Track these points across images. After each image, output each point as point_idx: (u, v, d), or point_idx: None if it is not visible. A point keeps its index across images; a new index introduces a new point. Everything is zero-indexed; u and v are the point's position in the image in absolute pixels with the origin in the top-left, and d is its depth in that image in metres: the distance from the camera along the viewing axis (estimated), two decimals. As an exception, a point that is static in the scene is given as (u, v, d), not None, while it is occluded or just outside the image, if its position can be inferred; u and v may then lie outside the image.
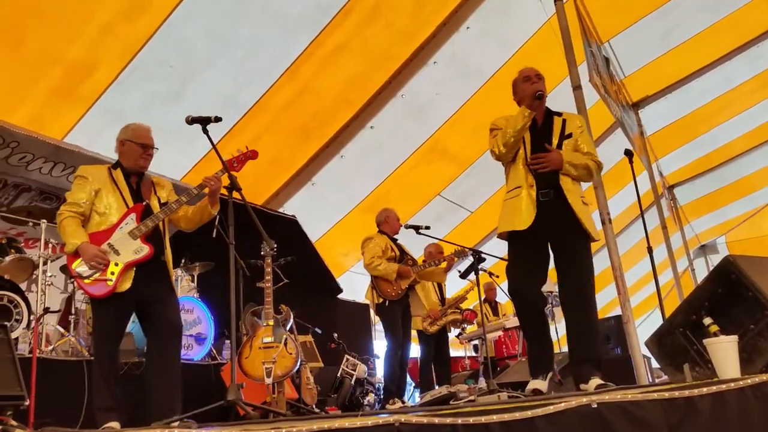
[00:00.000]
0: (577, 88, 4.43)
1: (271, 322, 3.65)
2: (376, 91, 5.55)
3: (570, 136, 3.26)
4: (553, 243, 3.15)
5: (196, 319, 4.22)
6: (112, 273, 2.84)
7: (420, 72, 5.55)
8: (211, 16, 4.18)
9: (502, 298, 7.24)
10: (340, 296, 7.31)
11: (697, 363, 1.68)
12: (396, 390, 4.58)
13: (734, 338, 1.56)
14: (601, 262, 9.87)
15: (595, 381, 2.77)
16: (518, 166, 3.16)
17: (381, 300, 4.65)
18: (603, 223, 4.13)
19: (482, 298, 4.75)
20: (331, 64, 4.98)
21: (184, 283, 4.60)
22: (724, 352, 1.54)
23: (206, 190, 3.08)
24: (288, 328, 3.81)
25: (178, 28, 4.08)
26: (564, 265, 3.14)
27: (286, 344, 3.60)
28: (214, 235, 4.49)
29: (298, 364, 3.66)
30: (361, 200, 6.64)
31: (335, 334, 6.40)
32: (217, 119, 2.88)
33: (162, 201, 3.09)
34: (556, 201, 3.10)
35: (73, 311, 3.99)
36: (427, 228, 4.56)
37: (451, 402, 3.48)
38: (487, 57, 5.78)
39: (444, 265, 4.85)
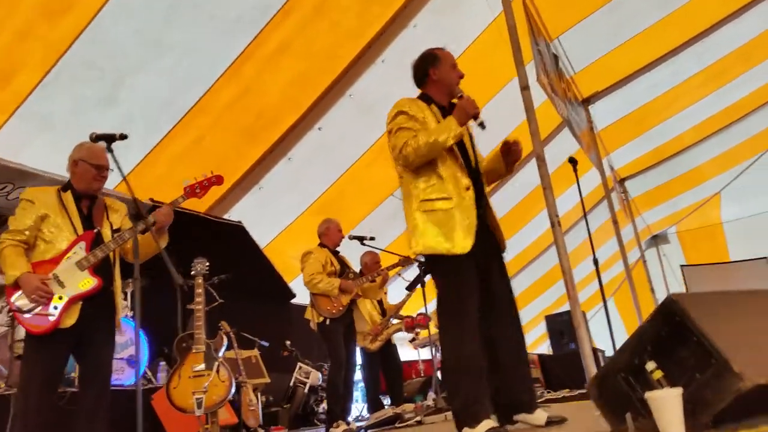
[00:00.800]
0: (525, 88, 4.34)
1: (203, 348, 3.45)
2: (323, 92, 5.39)
3: (474, 145, 2.90)
4: (482, 267, 2.67)
5: (128, 340, 3.98)
6: (55, 307, 2.63)
7: (368, 71, 5.41)
8: (141, 17, 3.95)
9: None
10: (293, 301, 7.14)
11: (640, 413, 1.57)
12: (341, 412, 4.35)
13: (678, 392, 1.45)
14: (549, 261, 9.97)
15: (542, 413, 2.58)
16: (446, 162, 2.64)
17: (321, 319, 4.41)
18: (552, 225, 4.08)
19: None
20: (275, 65, 4.80)
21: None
22: (667, 406, 1.42)
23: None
24: (223, 350, 3.61)
25: (105, 28, 3.83)
26: (495, 293, 2.70)
27: (218, 371, 3.39)
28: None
29: (232, 391, 3.46)
30: (312, 202, 6.48)
31: (288, 342, 6.24)
32: (122, 137, 2.67)
33: (114, 227, 2.88)
34: (488, 209, 2.75)
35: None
36: (372, 239, 4.40)
37: (396, 424, 3.37)
38: (435, 55, 5.66)
39: (379, 280, 4.67)
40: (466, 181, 2.64)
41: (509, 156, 2.88)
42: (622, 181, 10.56)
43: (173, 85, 4.45)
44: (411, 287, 4.88)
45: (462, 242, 2.54)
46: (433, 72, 2.83)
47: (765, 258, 12.14)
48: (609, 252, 11.60)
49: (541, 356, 8.55)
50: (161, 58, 4.25)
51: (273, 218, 6.38)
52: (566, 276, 4.12)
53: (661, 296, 11.98)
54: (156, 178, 5.04)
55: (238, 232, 5.98)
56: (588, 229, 5.10)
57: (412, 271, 5.84)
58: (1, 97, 3.87)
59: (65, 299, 2.63)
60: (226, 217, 5.89)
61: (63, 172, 4.40)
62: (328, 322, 4.37)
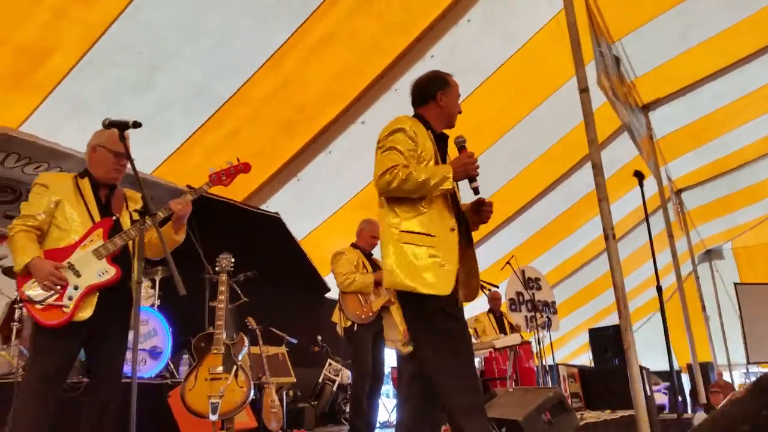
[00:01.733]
0: (584, 90, 4.04)
1: (222, 349, 3.29)
2: (368, 85, 5.17)
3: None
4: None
5: (151, 331, 3.88)
6: (70, 298, 2.45)
7: (416, 66, 5.16)
8: (180, 1, 3.81)
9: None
10: (328, 295, 7.00)
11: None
12: (364, 426, 4.07)
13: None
14: (593, 271, 9.56)
15: None
16: (430, 199, 2.40)
17: (348, 323, 4.15)
18: (606, 238, 3.80)
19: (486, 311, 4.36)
20: (318, 55, 4.61)
21: (142, 290, 4.24)
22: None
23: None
24: (243, 352, 3.43)
25: (143, 12, 3.71)
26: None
27: (236, 376, 3.23)
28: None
29: (250, 397, 3.28)
30: (352, 197, 6.30)
31: (319, 337, 6.10)
32: (136, 124, 2.48)
33: (134, 218, 2.70)
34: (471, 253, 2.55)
35: (16, 318, 3.64)
36: None
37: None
38: (490, 52, 5.39)
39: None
40: (451, 221, 2.42)
41: (479, 215, 2.64)
42: (678, 192, 10.09)
43: (212, 72, 4.31)
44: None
45: (443, 282, 2.33)
46: (441, 96, 2.59)
47: (826, 282, 11.45)
48: (659, 265, 11.12)
49: (581, 369, 8.23)
50: (200, 44, 4.11)
51: (311, 211, 6.23)
52: (618, 292, 3.84)
53: (713, 314, 11.48)
54: (193, 166, 4.95)
55: (275, 223, 5.85)
56: (652, 251, 4.78)
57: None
58: (37, 77, 3.80)
59: (81, 289, 2.46)
60: (263, 207, 5.77)
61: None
62: (355, 327, 4.13)
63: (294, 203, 5.86)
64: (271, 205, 5.74)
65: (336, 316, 4.31)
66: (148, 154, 4.64)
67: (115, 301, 2.58)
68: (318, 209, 6.25)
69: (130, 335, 2.66)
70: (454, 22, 5.11)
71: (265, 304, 5.26)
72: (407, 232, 2.39)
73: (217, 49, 4.22)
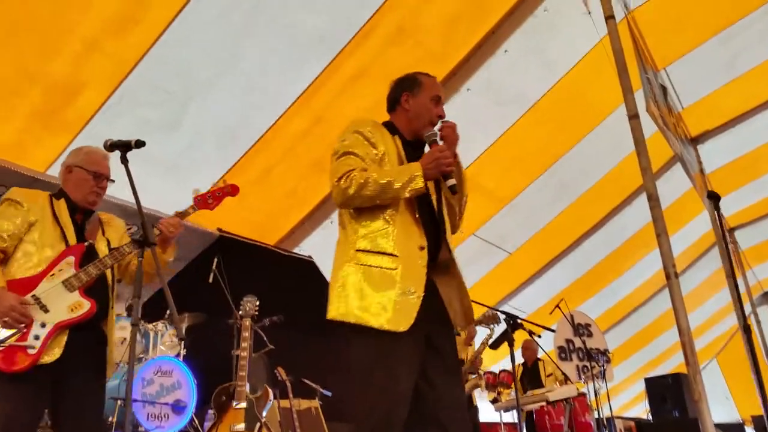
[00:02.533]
0: (633, 117, 3.78)
1: (245, 404, 2.98)
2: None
3: (440, 190, 2.27)
4: (428, 344, 2.04)
5: (175, 383, 3.61)
6: (36, 337, 2.13)
7: (452, 99, 4.97)
8: (211, 36, 3.71)
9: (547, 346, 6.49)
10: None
11: None
12: None
13: None
14: (649, 313, 9.01)
15: None
16: (394, 211, 2.04)
17: None
18: (668, 277, 3.45)
19: (518, 362, 4.01)
20: (350, 92, 4.45)
21: (166, 339, 4.00)
22: None
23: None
24: (268, 407, 3.13)
25: (172, 48, 3.61)
26: (436, 400, 2.01)
27: (260, 433, 2.91)
28: (210, 279, 3.98)
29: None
30: (388, 240, 6.05)
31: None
32: (139, 144, 2.23)
33: (112, 244, 2.43)
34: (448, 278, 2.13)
35: None
36: None
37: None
38: (528, 82, 5.18)
39: (464, 335, 4.04)
40: (420, 239, 2.04)
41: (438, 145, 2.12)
42: (731, 230, 9.56)
43: (242, 110, 4.18)
44: (495, 345, 4.21)
45: (397, 316, 1.91)
46: (406, 99, 2.24)
47: None
48: (715, 307, 10.51)
49: (638, 422, 7.65)
50: (230, 81, 3.99)
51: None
52: (684, 337, 3.43)
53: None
54: (224, 209, 4.76)
55: (308, 267, 5.63)
56: (735, 282, 4.39)
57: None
58: (67, 116, 3.70)
59: (49, 326, 2.14)
60: (296, 251, 5.55)
61: (125, 196, 4.22)
62: None
63: (328, 246, 5.62)
64: (304, 248, 5.52)
65: None
66: (177, 199, 4.48)
67: (89, 341, 2.26)
68: (353, 252, 6.02)
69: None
70: (491, 53, 4.94)
71: (298, 352, 4.97)
72: (364, 251, 2.00)
73: (248, 86, 4.10)
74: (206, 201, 2.63)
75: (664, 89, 5.84)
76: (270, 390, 3.15)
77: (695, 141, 7.19)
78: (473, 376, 4.83)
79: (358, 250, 2.01)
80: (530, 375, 6.30)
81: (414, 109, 2.22)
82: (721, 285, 9.27)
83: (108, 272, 2.40)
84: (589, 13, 4.45)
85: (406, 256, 2.00)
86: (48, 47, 3.40)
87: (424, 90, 2.24)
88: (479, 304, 4.36)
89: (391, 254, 1.99)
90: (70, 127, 3.76)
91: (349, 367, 1.98)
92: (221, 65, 3.93)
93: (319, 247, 5.57)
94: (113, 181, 2.49)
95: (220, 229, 4.69)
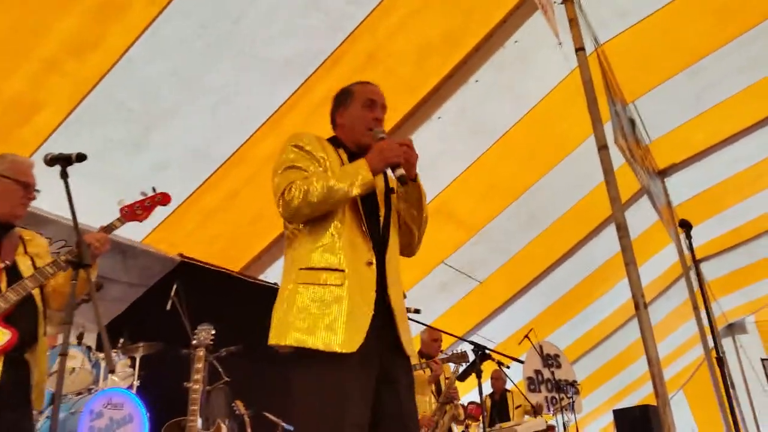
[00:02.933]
0: (603, 147, 3.79)
1: (196, 443, 2.82)
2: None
3: (393, 191, 2.15)
4: (381, 370, 1.90)
5: (126, 416, 3.40)
6: None
7: (423, 127, 4.95)
8: (178, 55, 3.62)
9: (516, 377, 6.42)
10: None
11: None
12: None
13: None
14: (616, 345, 9.01)
15: None
16: (339, 223, 1.94)
17: None
18: (637, 308, 3.43)
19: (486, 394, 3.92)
20: (321, 115, 4.37)
21: (118, 369, 3.80)
22: None
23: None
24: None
25: (137, 67, 3.51)
26: (392, 411, 1.90)
27: (215, 473, 2.75)
28: (168, 307, 3.82)
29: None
30: (357, 266, 5.94)
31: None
32: (80, 158, 2.12)
33: (36, 265, 2.24)
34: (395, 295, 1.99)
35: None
36: (417, 311, 3.65)
37: None
38: (499, 112, 5.19)
39: (428, 373, 3.89)
40: (368, 254, 1.94)
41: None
42: (697, 262, 9.68)
43: (208, 132, 4.08)
44: (463, 377, 4.12)
45: (346, 336, 1.79)
46: (340, 114, 2.19)
47: None
48: (682, 338, 10.60)
49: (606, 456, 7.58)
50: (198, 101, 3.89)
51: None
52: (654, 368, 3.40)
53: (741, 392, 10.82)
54: (187, 233, 4.65)
55: (274, 294, 5.47)
56: (708, 312, 4.34)
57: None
58: (22, 134, 3.56)
59: None
60: (261, 278, 5.40)
61: (85, 220, 4.04)
62: None
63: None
64: (270, 275, 5.37)
65: None
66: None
67: (11, 374, 2.05)
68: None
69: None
70: (462, 82, 4.94)
71: (261, 385, 4.80)
72: (308, 269, 1.88)
73: (214, 108, 4.00)
74: (134, 212, 2.46)
75: (632, 122, 5.92)
76: (224, 425, 2.98)
77: (662, 173, 7.29)
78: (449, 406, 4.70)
79: (301, 269, 1.89)
80: (498, 406, 6.21)
81: (348, 122, 2.15)
82: (687, 316, 9.36)
83: (37, 294, 2.20)
84: (560, 44, 4.49)
85: (353, 271, 1.88)
86: (5, 65, 3.27)
87: (355, 98, 2.17)
88: (448, 334, 4.29)
89: (336, 269, 1.87)
90: (26, 145, 3.61)
91: (293, 398, 1.82)
92: (188, 86, 3.83)
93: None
94: (39, 191, 2.33)
95: (181, 255, 4.54)
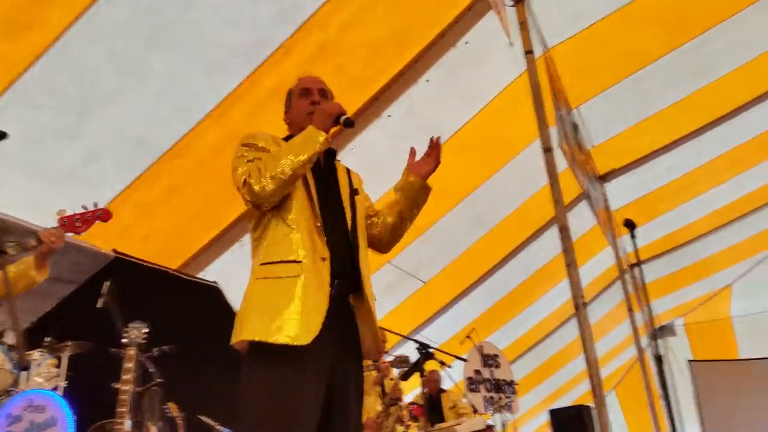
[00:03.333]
0: (548, 150, 3.86)
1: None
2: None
3: (357, 192, 2.25)
4: (333, 370, 1.89)
5: (48, 420, 3.17)
6: None
7: (372, 125, 4.90)
8: (119, 40, 3.43)
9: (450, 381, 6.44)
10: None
11: None
12: None
13: None
14: (552, 346, 9.22)
15: None
16: (296, 217, 1.94)
17: None
18: (577, 308, 3.50)
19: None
20: (269, 108, 4.25)
21: (42, 369, 3.57)
22: None
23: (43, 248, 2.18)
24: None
25: (73, 50, 3.30)
26: (343, 411, 1.90)
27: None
28: (100, 304, 3.62)
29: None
30: (300, 265, 5.83)
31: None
32: (1, 135, 2.01)
33: None
34: (355, 296, 2.01)
35: None
36: None
37: None
38: (449, 112, 5.20)
39: (374, 375, 3.83)
40: (323, 250, 1.92)
41: (428, 155, 2.35)
42: (632, 266, 10.02)
43: (148, 122, 3.89)
44: (406, 376, 4.08)
45: (301, 330, 1.75)
46: (287, 116, 2.31)
47: (777, 358, 11.47)
48: (614, 340, 10.94)
49: (542, 455, 7.73)
50: (138, 89, 3.70)
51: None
52: (592, 369, 3.49)
53: (670, 392, 11.27)
54: (122, 228, 4.42)
55: (213, 293, 5.30)
56: (646, 318, 4.45)
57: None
58: (-59, 115, 3.29)
59: None
60: (200, 275, 5.21)
61: (12, 211, 3.79)
62: None
63: (236, 271, 5.32)
64: (210, 273, 5.19)
65: None
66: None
67: None
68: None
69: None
70: (413, 81, 4.91)
71: (198, 387, 4.65)
72: (267, 263, 1.89)
73: (156, 97, 3.82)
74: (73, 224, 2.45)
75: (575, 127, 6.05)
76: (154, 428, 2.84)
77: (602, 179, 7.49)
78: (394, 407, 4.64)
79: (262, 264, 1.90)
80: (432, 407, 6.18)
81: (293, 119, 2.24)
82: (620, 318, 9.68)
83: None
84: (512, 44, 4.53)
85: (310, 263, 1.86)
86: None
87: (293, 97, 2.27)
88: (393, 332, 4.25)
89: (293, 261, 1.86)
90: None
91: (242, 395, 1.79)
92: (128, 72, 3.64)
93: (227, 272, 5.26)
94: None
95: (115, 251, 4.32)
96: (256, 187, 1.87)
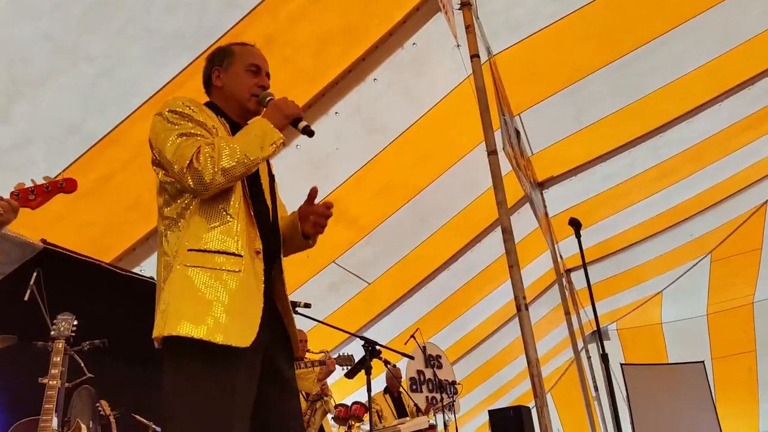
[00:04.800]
0: (492, 152, 3.93)
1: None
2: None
3: (274, 179, 2.14)
4: (264, 368, 1.80)
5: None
6: None
7: (319, 121, 4.85)
8: (52, 19, 3.27)
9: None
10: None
11: None
12: None
13: None
14: (492, 347, 9.40)
15: None
16: (235, 205, 1.79)
17: None
18: (519, 309, 3.55)
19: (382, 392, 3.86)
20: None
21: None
22: None
23: None
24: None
25: (3, 26, 3.13)
26: (277, 409, 1.82)
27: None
28: (27, 297, 3.45)
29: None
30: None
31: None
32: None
33: None
34: (280, 289, 1.92)
35: None
36: (307, 306, 3.54)
37: None
38: (395, 112, 5.21)
39: (317, 371, 3.74)
40: (257, 242, 1.80)
41: (314, 219, 2.00)
42: (567, 271, 10.31)
43: (82, 107, 3.71)
44: (352, 374, 4.02)
45: (242, 330, 1.65)
46: (217, 74, 2.00)
47: (701, 362, 12.01)
48: (550, 344, 11.22)
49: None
50: (73, 71, 3.54)
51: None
52: (533, 369, 3.54)
53: (603, 394, 11.65)
54: (53, 217, 4.20)
55: (149, 289, 5.10)
56: (597, 319, 4.60)
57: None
58: None
59: None
60: (136, 270, 5.01)
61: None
62: None
63: (175, 267, 5.17)
64: (146, 268, 5.01)
65: None
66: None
67: None
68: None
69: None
70: (361, 79, 4.90)
71: (131, 384, 4.47)
72: (200, 251, 1.70)
73: (90, 81, 3.66)
74: (26, 197, 2.11)
75: (518, 133, 6.19)
76: (83, 426, 2.69)
77: (541, 185, 7.70)
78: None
79: (191, 250, 1.70)
80: (397, 406, 6.16)
81: (228, 86, 1.98)
82: (558, 321, 9.94)
83: None
84: (459, 46, 4.59)
85: (248, 257, 1.73)
86: None
87: (236, 61, 1.99)
88: (340, 329, 4.20)
89: (234, 254, 1.71)
90: None
91: (167, 394, 1.63)
92: (61, 55, 3.47)
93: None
94: None
95: (44, 241, 4.11)
96: (207, 178, 1.67)
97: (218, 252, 1.71)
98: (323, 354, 4.08)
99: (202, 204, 1.77)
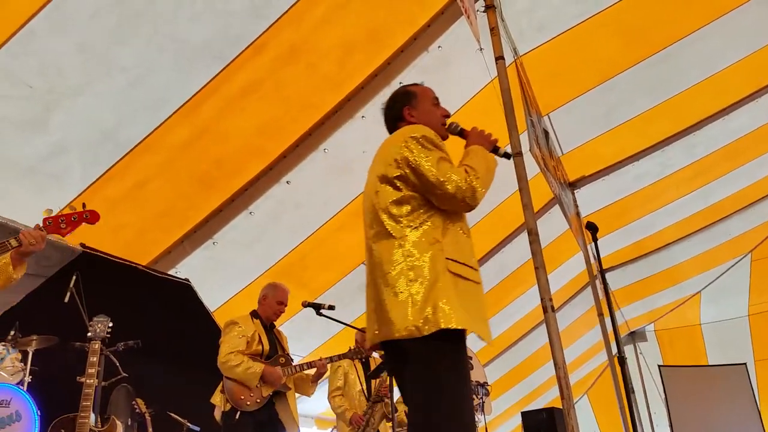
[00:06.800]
0: (518, 154, 3.92)
1: (86, 441, 2.65)
2: (295, 142, 4.85)
3: None
4: None
5: (12, 415, 3.14)
6: None
7: (346, 125, 4.92)
8: (87, 30, 3.41)
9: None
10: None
11: None
12: None
13: None
14: (524, 349, 9.30)
15: None
16: (464, 225, 2.14)
17: (229, 407, 3.38)
18: (545, 310, 3.55)
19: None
20: (240, 106, 4.27)
21: (7, 363, 3.51)
22: None
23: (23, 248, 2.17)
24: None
25: (38, 39, 3.28)
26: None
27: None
28: (66, 299, 3.59)
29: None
30: (273, 264, 5.81)
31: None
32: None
33: None
34: None
35: None
36: (331, 308, 3.57)
37: None
38: (422, 116, 5.24)
39: (312, 373, 3.77)
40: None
41: None
42: (602, 272, 10.15)
43: (117, 115, 3.86)
44: (374, 375, 4.05)
45: (488, 330, 2.06)
46: (408, 112, 2.35)
47: (743, 365, 11.69)
48: (585, 345, 11.07)
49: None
50: (107, 80, 3.68)
51: (227, 278, 5.67)
52: (560, 371, 3.53)
53: (640, 397, 11.42)
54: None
55: (184, 291, 5.26)
56: (618, 345, 4.54)
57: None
58: None
59: None
60: (171, 272, 5.17)
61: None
62: (238, 414, 3.35)
63: (208, 269, 5.31)
64: (181, 270, 5.16)
65: (216, 397, 3.56)
66: (34, 208, 4.05)
67: None
68: (235, 276, 5.70)
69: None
70: (386, 83, 4.95)
71: (165, 383, 4.61)
72: (457, 262, 1.99)
73: (125, 90, 3.80)
74: (58, 225, 2.35)
75: (546, 134, 6.14)
76: (119, 423, 2.81)
77: (572, 185, 7.61)
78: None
79: (449, 259, 1.95)
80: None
81: (420, 118, 2.32)
82: (592, 323, 9.80)
83: None
84: (482, 49, 4.59)
85: (477, 269, 2.11)
86: None
87: (421, 98, 2.39)
88: (355, 328, 4.24)
89: (474, 268, 2.05)
90: None
91: (431, 382, 1.87)
92: (96, 64, 3.62)
93: (199, 269, 5.23)
94: None
95: (83, 245, 4.28)
96: (479, 198, 2.07)
97: (466, 265, 2.02)
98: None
99: (444, 221, 2.06)
